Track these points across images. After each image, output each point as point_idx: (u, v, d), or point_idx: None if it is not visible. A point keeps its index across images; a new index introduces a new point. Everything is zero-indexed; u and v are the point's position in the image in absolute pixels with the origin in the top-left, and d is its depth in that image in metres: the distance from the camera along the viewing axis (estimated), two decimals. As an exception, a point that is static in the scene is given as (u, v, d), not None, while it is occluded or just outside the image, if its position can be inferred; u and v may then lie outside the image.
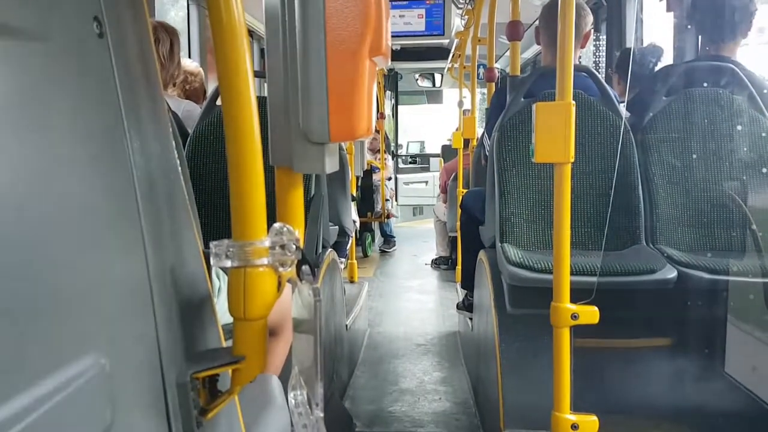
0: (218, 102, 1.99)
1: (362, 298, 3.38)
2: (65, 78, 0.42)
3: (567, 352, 1.25)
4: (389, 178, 6.17)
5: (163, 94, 0.56)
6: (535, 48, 4.68)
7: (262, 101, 0.55)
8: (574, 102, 1.20)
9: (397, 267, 5.46)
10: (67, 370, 0.38)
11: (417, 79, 7.43)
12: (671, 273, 1.64)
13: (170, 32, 1.90)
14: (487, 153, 2.11)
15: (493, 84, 3.21)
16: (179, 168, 0.57)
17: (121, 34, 0.48)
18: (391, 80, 7.31)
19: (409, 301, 4.30)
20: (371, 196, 5.54)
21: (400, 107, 8.00)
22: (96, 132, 0.45)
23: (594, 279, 1.52)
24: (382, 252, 5.96)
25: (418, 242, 6.36)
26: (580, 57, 2.22)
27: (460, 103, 4.44)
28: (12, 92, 0.37)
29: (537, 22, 2.19)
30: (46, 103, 0.40)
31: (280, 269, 0.53)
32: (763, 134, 1.87)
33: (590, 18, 2.07)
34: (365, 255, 5.64)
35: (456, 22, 4.34)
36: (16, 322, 0.34)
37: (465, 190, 3.47)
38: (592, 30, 2.11)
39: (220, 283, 0.88)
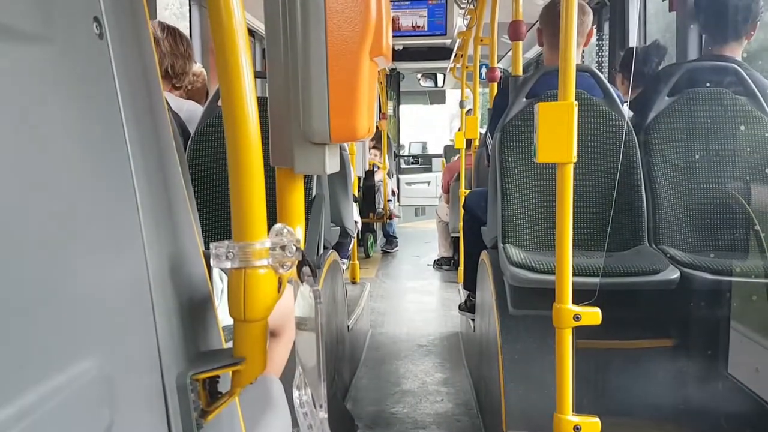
0: (220, 102, 1.99)
1: (364, 299, 3.38)
2: (65, 79, 0.42)
3: (569, 354, 1.24)
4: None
5: (163, 94, 0.56)
6: (538, 48, 4.67)
7: (262, 102, 0.55)
8: (576, 102, 1.19)
9: (399, 268, 5.45)
10: (66, 372, 0.38)
11: (419, 80, 7.43)
12: (674, 274, 1.63)
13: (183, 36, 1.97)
14: (490, 153, 2.10)
15: (496, 84, 3.21)
16: (179, 169, 0.57)
17: (121, 35, 0.48)
18: (393, 80, 7.30)
19: (411, 302, 4.30)
20: (373, 197, 5.53)
21: (401, 107, 8.00)
22: (95, 133, 0.45)
23: (596, 280, 1.52)
24: (384, 253, 5.95)
25: (421, 243, 6.35)
26: (583, 56, 2.22)
27: (462, 104, 4.43)
28: (11, 93, 0.37)
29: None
30: (45, 103, 0.40)
31: (281, 270, 0.53)
32: (766, 134, 1.86)
33: (591, 17, 2.07)
34: (367, 256, 5.64)
35: (458, 21, 4.34)
36: (15, 324, 0.34)
37: (467, 191, 3.47)
38: (594, 29, 2.11)
39: (222, 285, 0.88)
